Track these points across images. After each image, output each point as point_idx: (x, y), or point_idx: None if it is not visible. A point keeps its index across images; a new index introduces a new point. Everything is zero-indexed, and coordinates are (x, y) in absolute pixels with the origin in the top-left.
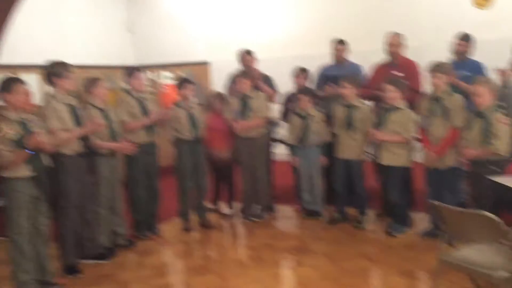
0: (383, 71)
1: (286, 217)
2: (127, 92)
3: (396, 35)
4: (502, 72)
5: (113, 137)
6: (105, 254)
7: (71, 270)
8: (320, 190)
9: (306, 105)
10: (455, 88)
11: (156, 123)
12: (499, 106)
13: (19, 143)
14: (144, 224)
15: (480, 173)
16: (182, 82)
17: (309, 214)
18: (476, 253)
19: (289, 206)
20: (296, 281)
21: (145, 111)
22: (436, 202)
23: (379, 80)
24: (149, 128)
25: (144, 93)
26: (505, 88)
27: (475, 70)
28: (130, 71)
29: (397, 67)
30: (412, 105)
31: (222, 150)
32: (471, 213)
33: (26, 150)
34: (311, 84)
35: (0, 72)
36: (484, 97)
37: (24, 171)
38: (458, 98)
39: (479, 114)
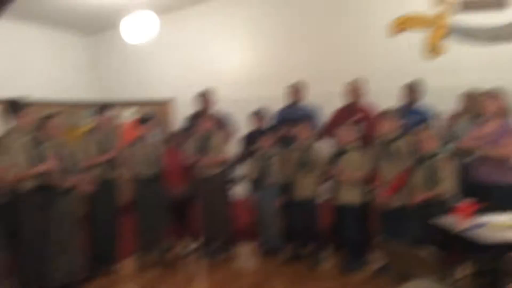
0: (342, 114)
1: (245, 254)
2: (90, 128)
3: (356, 81)
4: (450, 117)
5: (71, 173)
6: None
7: None
8: (279, 228)
9: (267, 145)
10: (404, 133)
11: (116, 160)
12: (445, 145)
13: None
14: (102, 261)
15: (426, 214)
16: (142, 120)
17: (268, 251)
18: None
19: (249, 244)
20: None
21: (106, 148)
22: (383, 240)
23: (338, 122)
24: (109, 165)
25: (108, 130)
26: (452, 131)
27: (423, 115)
28: (100, 109)
29: (356, 111)
30: (367, 148)
31: (179, 187)
32: (411, 251)
33: None
34: (268, 125)
35: None
36: (428, 143)
37: None
38: (406, 142)
39: (423, 159)
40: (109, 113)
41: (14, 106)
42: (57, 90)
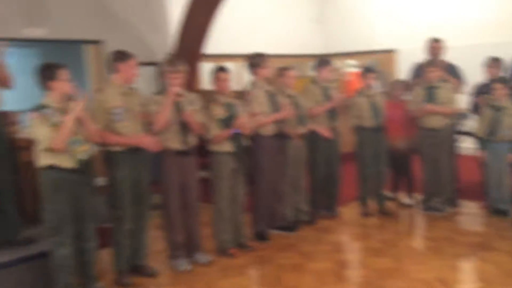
0: None
1: (470, 213)
2: (313, 81)
3: None
4: None
5: (301, 122)
6: (290, 227)
7: (261, 236)
8: (510, 188)
9: (501, 96)
10: None
11: (337, 110)
12: None
13: (225, 123)
14: (324, 204)
15: None
16: (365, 70)
17: (496, 212)
18: None
19: (474, 202)
20: (475, 275)
21: (328, 99)
22: None
23: None
24: (331, 115)
25: (329, 82)
26: None
27: None
28: (321, 61)
29: None
30: None
31: (401, 140)
32: None
33: (231, 130)
34: (505, 75)
35: (207, 61)
36: None
37: (228, 147)
38: None
39: None
40: (329, 65)
41: (256, 60)
42: (287, 45)
